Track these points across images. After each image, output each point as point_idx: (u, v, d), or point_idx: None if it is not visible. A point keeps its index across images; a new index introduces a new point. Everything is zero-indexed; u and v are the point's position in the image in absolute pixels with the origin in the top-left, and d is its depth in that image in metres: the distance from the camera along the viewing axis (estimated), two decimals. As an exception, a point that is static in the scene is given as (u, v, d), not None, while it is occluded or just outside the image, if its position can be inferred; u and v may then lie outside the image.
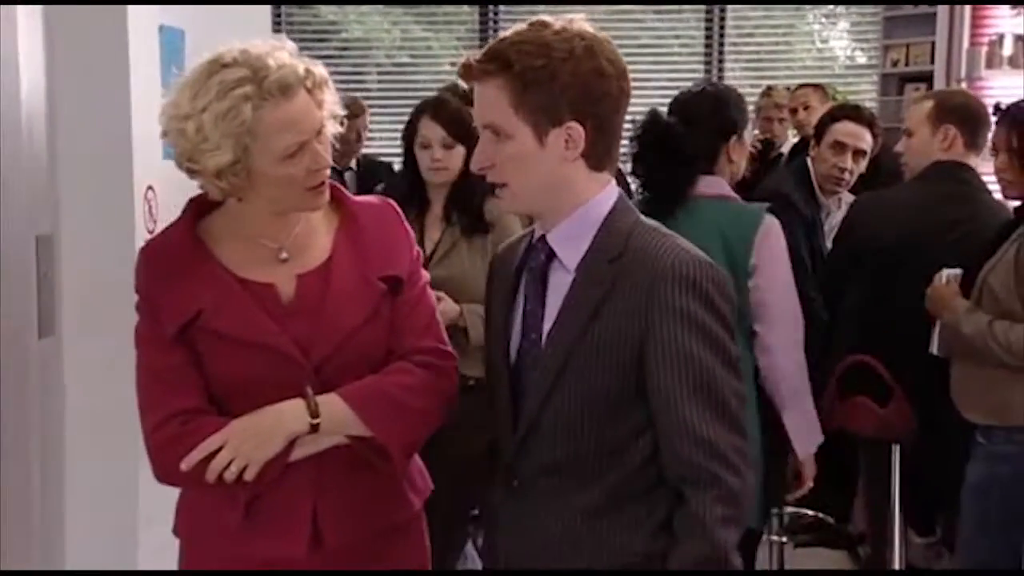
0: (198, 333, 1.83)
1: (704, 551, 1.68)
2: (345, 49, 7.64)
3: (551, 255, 1.79)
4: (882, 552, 3.92)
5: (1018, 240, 2.92)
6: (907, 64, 6.88)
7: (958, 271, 3.13)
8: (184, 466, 1.78)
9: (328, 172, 1.88)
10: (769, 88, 6.05)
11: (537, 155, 1.73)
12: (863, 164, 4.00)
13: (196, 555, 1.97)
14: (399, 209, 2.03)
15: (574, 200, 1.77)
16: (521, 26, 1.75)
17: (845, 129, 3.99)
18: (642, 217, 1.82)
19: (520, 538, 1.82)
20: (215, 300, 1.82)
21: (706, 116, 2.95)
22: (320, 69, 1.86)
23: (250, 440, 1.79)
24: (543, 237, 1.81)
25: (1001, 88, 6.58)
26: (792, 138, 5.79)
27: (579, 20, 1.75)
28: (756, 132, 5.76)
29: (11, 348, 2.31)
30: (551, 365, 1.75)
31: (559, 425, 1.75)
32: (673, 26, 7.56)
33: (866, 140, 3.99)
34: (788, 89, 5.87)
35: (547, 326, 1.77)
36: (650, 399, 1.72)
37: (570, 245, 1.77)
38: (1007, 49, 6.45)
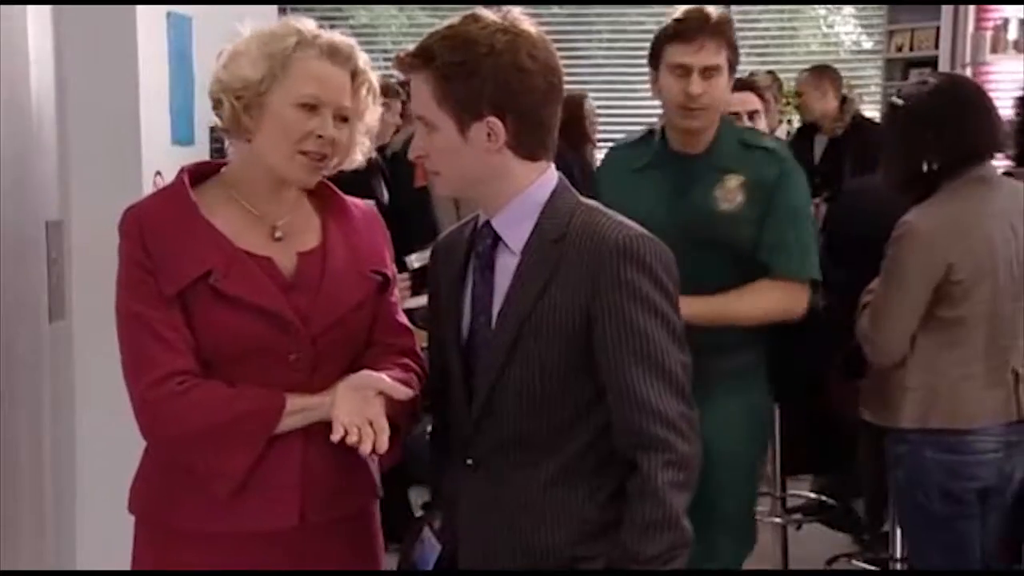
0: (200, 294, 1.83)
1: (655, 515, 1.73)
2: (351, 35, 7.63)
3: (497, 239, 1.84)
4: (881, 534, 3.94)
5: None
6: (912, 49, 6.88)
7: None
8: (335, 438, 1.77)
9: (328, 155, 1.90)
10: (750, 75, 6.13)
11: (461, 147, 1.78)
12: (761, 122, 4.11)
13: (161, 532, 1.92)
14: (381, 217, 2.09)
15: (510, 188, 1.82)
16: (454, 20, 1.79)
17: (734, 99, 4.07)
18: (582, 199, 1.86)
19: (478, 515, 1.86)
20: (223, 262, 1.85)
21: None
22: (376, 81, 1.95)
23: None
24: (488, 223, 1.85)
25: (1006, 73, 6.58)
26: (787, 123, 5.84)
27: (514, 13, 1.79)
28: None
29: (22, 332, 2.34)
30: (501, 344, 1.80)
31: (512, 402, 1.80)
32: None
33: (753, 102, 4.02)
34: (770, 74, 5.91)
35: (496, 307, 1.83)
36: (599, 371, 1.78)
37: (514, 229, 1.82)
38: (1012, 33, 6.44)
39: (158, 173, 2.58)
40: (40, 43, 2.39)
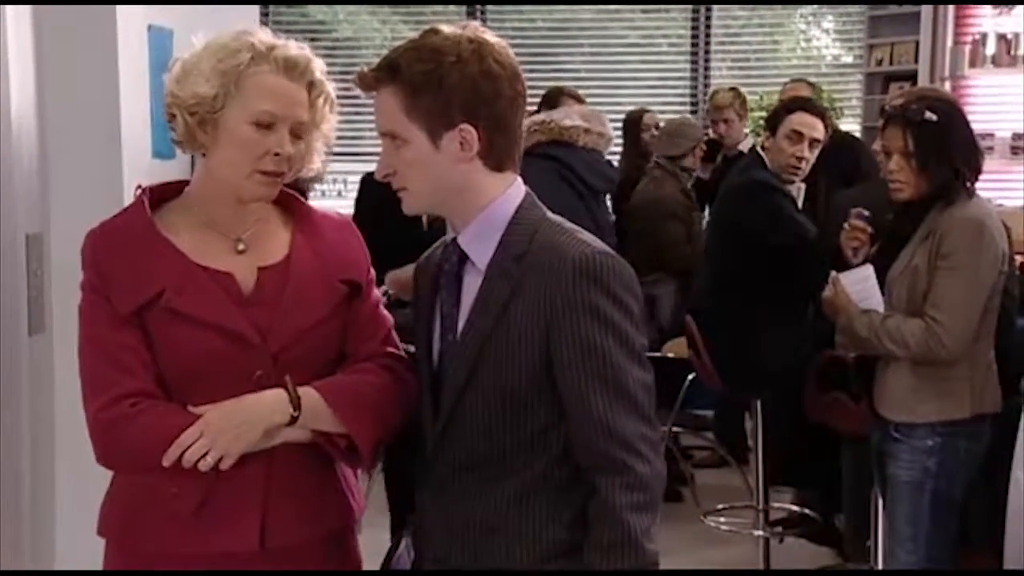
0: (155, 314, 1.81)
1: (615, 538, 1.71)
2: (334, 49, 7.65)
3: (463, 257, 1.83)
4: (864, 547, 3.96)
5: (924, 245, 2.96)
6: (891, 63, 6.93)
7: (857, 271, 3.17)
8: (165, 462, 1.74)
9: (286, 171, 1.89)
10: (714, 92, 6.18)
11: (433, 158, 1.77)
12: (814, 154, 4.13)
13: (128, 553, 1.90)
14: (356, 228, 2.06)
15: (478, 201, 1.81)
16: (414, 35, 1.80)
17: (800, 119, 4.13)
18: (548, 214, 1.85)
19: (445, 534, 1.84)
20: (177, 281, 1.82)
21: None
22: (333, 93, 1.92)
23: (229, 431, 1.77)
24: (455, 240, 1.84)
25: (984, 87, 6.65)
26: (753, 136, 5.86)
27: (473, 26, 1.80)
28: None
29: (1, 345, 2.33)
30: (464, 361, 1.79)
31: (475, 419, 1.79)
32: (661, 25, 7.59)
33: (819, 129, 4.16)
34: (732, 91, 5.95)
35: (461, 325, 1.81)
36: (559, 391, 1.76)
37: (479, 246, 1.81)
38: (990, 48, 6.51)
39: (139, 186, 2.56)
40: (20, 54, 2.38)
